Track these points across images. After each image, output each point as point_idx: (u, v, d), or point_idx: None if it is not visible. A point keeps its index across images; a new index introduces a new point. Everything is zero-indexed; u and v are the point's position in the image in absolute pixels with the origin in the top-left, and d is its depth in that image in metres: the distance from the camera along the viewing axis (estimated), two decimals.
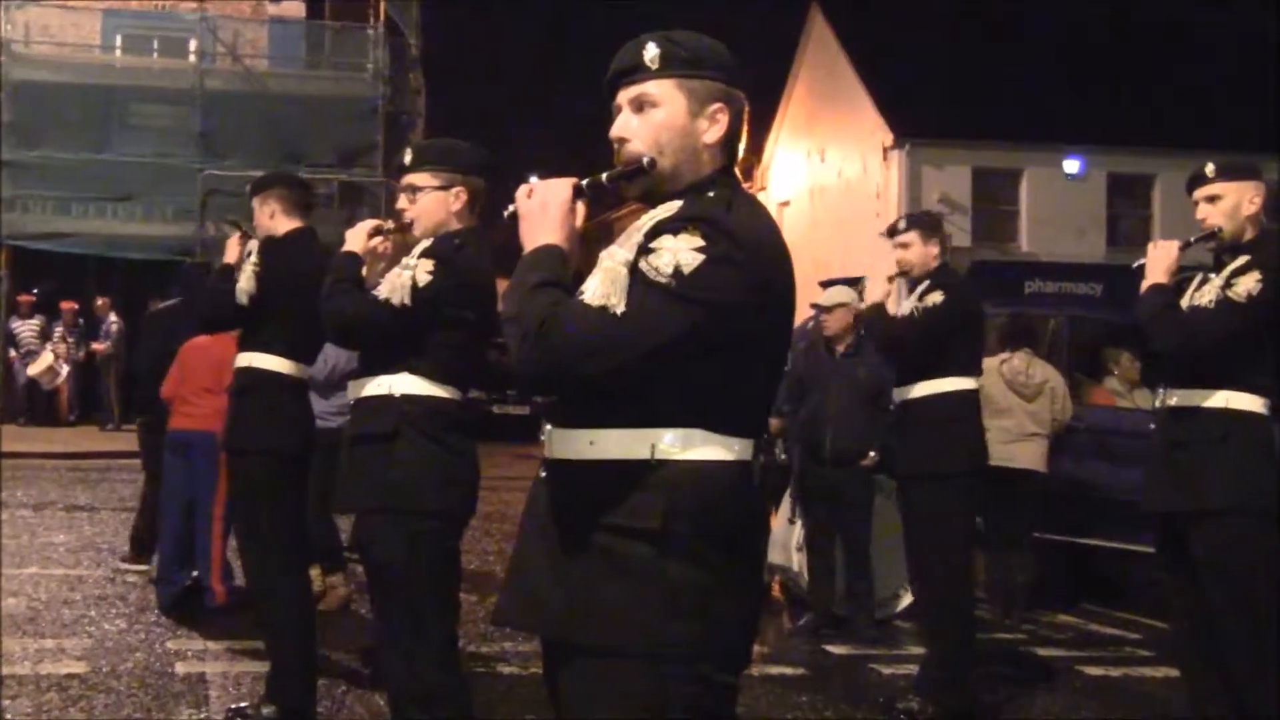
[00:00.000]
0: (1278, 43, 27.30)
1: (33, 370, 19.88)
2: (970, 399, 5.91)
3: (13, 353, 20.62)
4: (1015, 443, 8.24)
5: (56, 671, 6.07)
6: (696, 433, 2.41)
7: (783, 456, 8.56)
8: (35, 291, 20.86)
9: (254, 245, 5.44)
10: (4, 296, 21.24)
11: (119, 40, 23.72)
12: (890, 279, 6.13)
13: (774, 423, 8.05)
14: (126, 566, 8.74)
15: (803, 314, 8.54)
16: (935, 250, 5.99)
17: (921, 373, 5.87)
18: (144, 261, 20.26)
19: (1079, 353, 9.52)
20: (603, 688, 2.40)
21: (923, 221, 6.14)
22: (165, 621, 7.20)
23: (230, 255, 5.57)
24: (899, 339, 5.97)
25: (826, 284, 8.51)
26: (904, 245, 6.01)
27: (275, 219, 5.46)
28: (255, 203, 5.51)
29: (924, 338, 5.86)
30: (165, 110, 22.89)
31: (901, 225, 6.10)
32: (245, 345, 5.39)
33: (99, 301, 20.30)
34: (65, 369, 20.13)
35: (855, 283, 8.57)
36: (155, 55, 23.81)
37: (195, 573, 7.61)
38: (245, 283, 5.26)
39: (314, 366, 5.96)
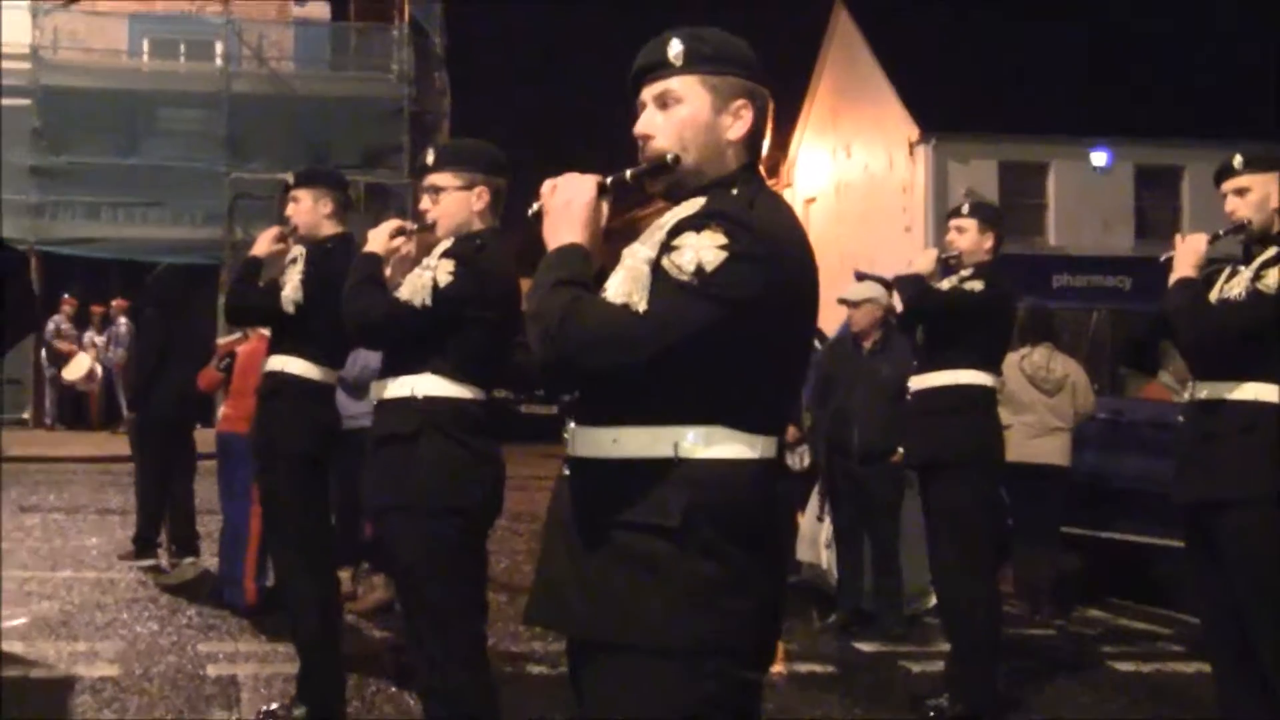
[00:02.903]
0: None
1: (70, 374, 18.97)
2: (986, 394, 5.85)
3: (44, 353, 20.60)
4: (1038, 438, 8.19)
5: (90, 674, 6.10)
6: (718, 430, 2.41)
7: (804, 462, 8.55)
8: (67, 296, 20.91)
9: (299, 251, 5.34)
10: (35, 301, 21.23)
11: (146, 45, 23.84)
12: (939, 257, 6.04)
13: (791, 430, 7.98)
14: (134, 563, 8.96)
15: (830, 309, 8.47)
16: (989, 244, 5.91)
17: (940, 362, 5.85)
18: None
19: (1113, 347, 9.42)
20: (626, 685, 2.41)
21: (985, 212, 6.05)
22: (197, 624, 7.24)
23: (260, 248, 5.47)
24: (936, 307, 5.90)
25: (861, 276, 8.41)
26: (959, 230, 5.93)
27: (329, 218, 5.40)
28: (302, 192, 5.38)
29: (954, 316, 5.83)
30: (192, 114, 23.00)
31: (964, 209, 6.01)
32: (277, 349, 5.36)
33: (115, 302, 20.15)
34: (100, 371, 20.11)
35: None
36: (182, 59, 23.94)
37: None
38: (292, 291, 5.19)
39: (344, 367, 5.97)
